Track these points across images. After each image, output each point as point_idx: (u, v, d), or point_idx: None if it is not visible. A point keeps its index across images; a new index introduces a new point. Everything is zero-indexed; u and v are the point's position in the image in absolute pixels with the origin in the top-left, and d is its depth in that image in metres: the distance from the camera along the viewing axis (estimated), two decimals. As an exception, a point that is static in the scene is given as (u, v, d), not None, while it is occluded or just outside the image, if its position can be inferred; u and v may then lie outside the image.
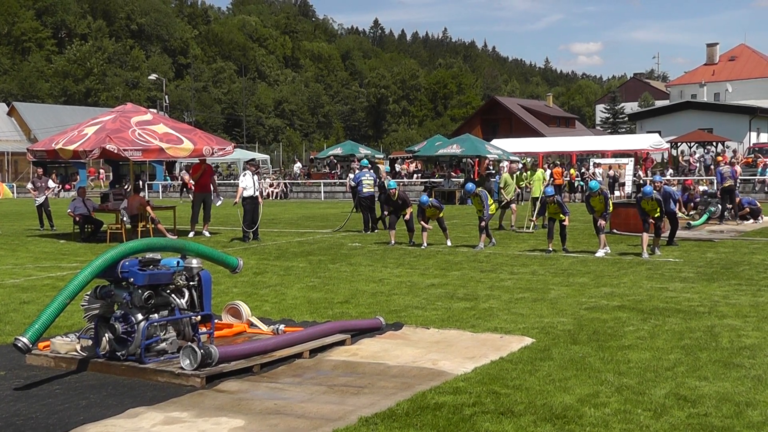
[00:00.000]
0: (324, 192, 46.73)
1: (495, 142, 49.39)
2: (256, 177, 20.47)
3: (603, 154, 48.47)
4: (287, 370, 7.36)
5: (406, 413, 5.93)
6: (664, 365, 7.28)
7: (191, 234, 21.01)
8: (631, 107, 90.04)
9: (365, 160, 26.65)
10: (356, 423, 5.74)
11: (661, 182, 18.06)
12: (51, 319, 7.25)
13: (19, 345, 6.97)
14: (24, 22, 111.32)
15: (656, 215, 15.88)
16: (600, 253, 15.77)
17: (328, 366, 7.49)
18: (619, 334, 8.60)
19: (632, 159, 44.29)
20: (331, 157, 55.69)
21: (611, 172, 40.55)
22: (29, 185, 27.15)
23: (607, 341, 8.24)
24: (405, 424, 5.70)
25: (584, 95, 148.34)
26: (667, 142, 52.10)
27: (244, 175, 20.48)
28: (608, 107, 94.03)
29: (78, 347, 7.79)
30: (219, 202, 22.44)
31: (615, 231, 20.36)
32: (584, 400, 6.23)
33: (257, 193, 20.07)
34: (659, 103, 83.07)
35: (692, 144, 54.65)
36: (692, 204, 24.67)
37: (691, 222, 22.65)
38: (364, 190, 22.46)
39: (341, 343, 8.29)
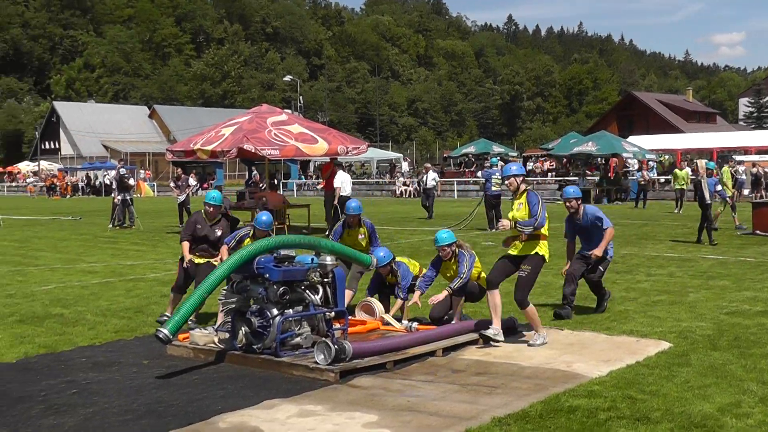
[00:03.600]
0: (457, 190, 46.62)
1: (631, 139, 48.10)
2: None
3: (746, 151, 46.46)
4: (420, 367, 7.40)
5: (539, 415, 5.85)
6: (814, 373, 6.91)
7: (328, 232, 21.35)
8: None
9: (495, 159, 26.52)
10: (489, 423, 5.70)
11: None
12: (190, 312, 7.55)
13: (160, 336, 7.28)
14: (164, 29, 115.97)
15: None
16: None
17: (460, 365, 7.48)
18: (762, 340, 8.20)
19: (778, 156, 42.25)
20: (469, 156, 55.57)
21: (755, 170, 38.73)
22: (171, 183, 28.17)
23: (749, 348, 7.88)
24: (538, 426, 5.63)
25: (726, 88, 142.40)
26: (817, 137, 49.48)
27: (338, 176, 21.53)
28: (752, 101, 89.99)
29: (216, 339, 8.05)
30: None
31: (758, 232, 19.49)
32: (725, 409, 5.97)
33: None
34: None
35: None
36: None
37: None
38: (493, 188, 22.30)
39: (474, 342, 8.25)
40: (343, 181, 21.18)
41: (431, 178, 28.38)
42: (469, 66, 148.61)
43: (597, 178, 38.97)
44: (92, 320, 9.97)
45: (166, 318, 8.71)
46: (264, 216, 9.13)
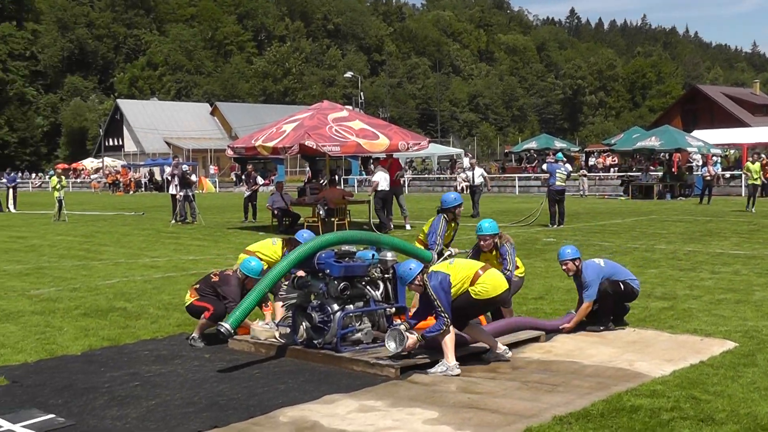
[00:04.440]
0: (519, 186, 46.28)
1: (696, 133, 47.14)
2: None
3: (815, 146, 45.18)
4: (480, 364, 7.36)
5: (601, 414, 5.78)
6: None
7: (391, 227, 21.34)
8: None
9: (560, 154, 26.16)
10: (550, 421, 5.65)
11: None
12: (251, 308, 7.62)
13: (222, 331, 7.36)
14: (226, 27, 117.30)
15: None
16: None
17: (521, 362, 7.42)
18: (834, 341, 7.98)
19: None
20: (531, 151, 55.16)
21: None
22: (232, 177, 28.42)
23: (819, 349, 7.66)
24: (600, 426, 5.55)
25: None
26: None
27: (376, 172, 21.76)
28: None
29: (276, 334, 8.12)
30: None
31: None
32: (794, 411, 5.82)
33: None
34: None
35: None
36: None
37: None
38: (557, 183, 22.07)
39: (535, 339, 8.18)
40: (384, 178, 21.23)
41: (478, 174, 27.70)
42: (530, 60, 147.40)
43: (660, 174, 38.29)
44: (155, 314, 10.14)
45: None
46: (253, 262, 8.62)
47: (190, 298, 8.63)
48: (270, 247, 9.38)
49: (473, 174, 27.78)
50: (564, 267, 8.62)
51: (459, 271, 7.25)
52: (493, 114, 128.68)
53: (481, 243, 8.64)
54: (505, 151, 69.11)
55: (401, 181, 22.69)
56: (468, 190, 28.31)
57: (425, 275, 7.15)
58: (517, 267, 8.80)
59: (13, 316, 10.30)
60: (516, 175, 49.24)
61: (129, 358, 7.95)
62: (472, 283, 7.21)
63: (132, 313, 10.27)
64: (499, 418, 5.77)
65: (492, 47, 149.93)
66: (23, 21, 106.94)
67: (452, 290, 7.12)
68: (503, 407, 6.02)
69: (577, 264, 8.57)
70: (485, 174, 29.71)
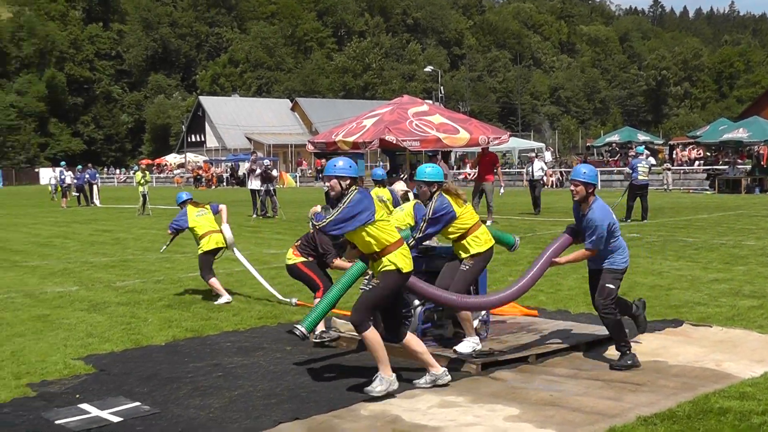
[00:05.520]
0: (601, 180, 45.47)
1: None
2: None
3: None
4: (563, 361, 7.25)
5: (687, 416, 5.62)
6: None
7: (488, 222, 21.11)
8: None
9: (640, 147, 25.55)
10: (634, 421, 5.53)
11: None
12: (326, 310, 7.55)
13: (296, 333, 7.25)
14: (306, 24, 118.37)
15: None
16: None
17: (604, 360, 7.28)
18: None
19: None
20: (613, 145, 54.21)
21: None
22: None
23: None
24: (686, 427, 5.40)
25: None
26: None
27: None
28: None
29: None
30: (502, 191, 22.67)
31: None
32: None
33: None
34: None
35: None
36: None
37: None
38: (639, 177, 21.62)
39: (617, 336, 8.02)
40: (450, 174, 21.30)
41: (538, 168, 26.45)
42: (613, 52, 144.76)
43: (749, 167, 37.20)
44: (236, 306, 10.29)
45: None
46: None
47: (293, 256, 8.63)
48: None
49: (533, 167, 26.52)
50: (573, 188, 7.30)
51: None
52: (575, 107, 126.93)
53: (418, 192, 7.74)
54: (587, 144, 68.07)
55: (494, 177, 22.42)
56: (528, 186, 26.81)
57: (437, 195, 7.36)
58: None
59: (100, 306, 10.60)
60: (598, 169, 48.37)
61: (212, 350, 8.10)
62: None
63: (214, 305, 10.45)
64: (581, 417, 5.68)
65: (573, 38, 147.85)
66: (109, 22, 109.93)
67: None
68: (586, 406, 5.92)
69: (589, 191, 7.29)
70: (545, 167, 28.58)
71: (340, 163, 6.36)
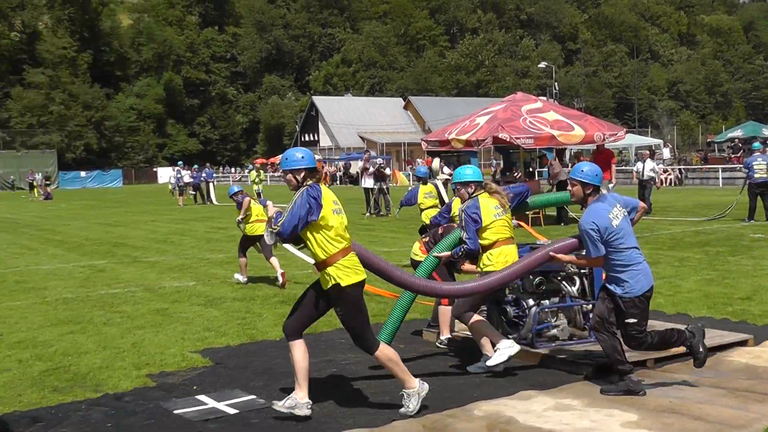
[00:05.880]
0: (722, 178, 43.93)
1: None
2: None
3: None
4: (682, 367, 6.97)
5: (820, 426, 5.33)
6: None
7: None
8: None
9: (757, 143, 24.33)
10: (761, 432, 5.27)
11: None
12: (402, 318, 7.41)
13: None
14: (419, 22, 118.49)
15: None
16: None
17: (727, 367, 6.98)
18: None
19: None
20: (736, 141, 52.28)
21: None
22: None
23: None
24: (819, 438, 5.12)
25: None
26: None
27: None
28: None
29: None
30: (611, 188, 22.12)
31: None
32: None
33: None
34: None
35: None
36: None
37: None
38: (756, 175, 20.66)
39: (743, 343, 7.66)
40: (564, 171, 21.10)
41: (649, 168, 24.75)
42: (736, 42, 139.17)
43: None
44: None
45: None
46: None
47: (419, 252, 8.51)
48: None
49: (644, 166, 24.89)
50: (569, 188, 6.62)
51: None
52: (695, 101, 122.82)
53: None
54: (707, 140, 65.84)
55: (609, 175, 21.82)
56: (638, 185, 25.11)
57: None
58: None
59: (216, 302, 10.87)
60: (719, 166, 46.73)
61: (325, 346, 8.18)
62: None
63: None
64: (703, 426, 5.46)
65: (693, 30, 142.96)
66: (225, 26, 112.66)
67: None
68: (708, 414, 5.68)
69: (587, 192, 6.46)
70: (657, 167, 26.79)
71: (298, 155, 5.96)
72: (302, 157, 5.94)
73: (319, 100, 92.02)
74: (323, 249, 5.78)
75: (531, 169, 31.77)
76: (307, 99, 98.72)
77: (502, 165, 28.94)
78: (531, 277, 7.35)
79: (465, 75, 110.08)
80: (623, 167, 53.60)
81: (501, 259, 7.04)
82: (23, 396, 6.71)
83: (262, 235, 11.47)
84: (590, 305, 7.63)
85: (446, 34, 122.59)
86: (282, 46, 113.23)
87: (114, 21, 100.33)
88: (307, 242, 5.86)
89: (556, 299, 7.58)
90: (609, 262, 6.30)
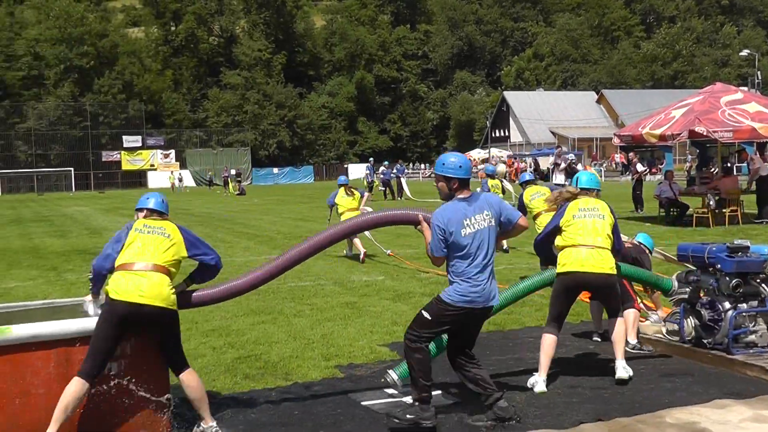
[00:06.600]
0: None
1: None
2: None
3: None
4: None
5: None
6: None
7: None
8: None
9: None
10: None
11: None
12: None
13: (389, 381, 6.43)
14: (613, 12, 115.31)
15: None
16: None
17: None
18: None
19: None
20: None
21: None
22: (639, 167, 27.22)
23: None
24: None
25: None
26: None
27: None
28: None
29: (664, 330, 7.84)
30: None
31: None
32: None
33: None
34: None
35: None
36: None
37: None
38: None
39: None
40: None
41: None
42: None
43: None
44: (539, 302, 10.22)
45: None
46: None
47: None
48: None
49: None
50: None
51: None
52: None
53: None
54: None
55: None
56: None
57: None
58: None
59: (405, 296, 11.07)
60: None
61: (513, 344, 8.18)
62: None
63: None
64: None
65: None
66: (416, 23, 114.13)
67: None
68: None
69: (453, 187, 5.73)
70: None
71: (455, 161, 5.67)
72: (460, 166, 5.67)
73: (510, 95, 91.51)
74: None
75: (729, 165, 30.15)
76: (498, 94, 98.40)
77: (698, 160, 27.70)
78: (728, 278, 7.03)
79: (661, 66, 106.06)
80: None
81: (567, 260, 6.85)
82: (216, 381, 7.12)
83: None
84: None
85: (642, 23, 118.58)
86: (474, 42, 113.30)
87: (308, 23, 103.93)
88: None
89: (755, 303, 7.19)
90: (449, 266, 5.77)
